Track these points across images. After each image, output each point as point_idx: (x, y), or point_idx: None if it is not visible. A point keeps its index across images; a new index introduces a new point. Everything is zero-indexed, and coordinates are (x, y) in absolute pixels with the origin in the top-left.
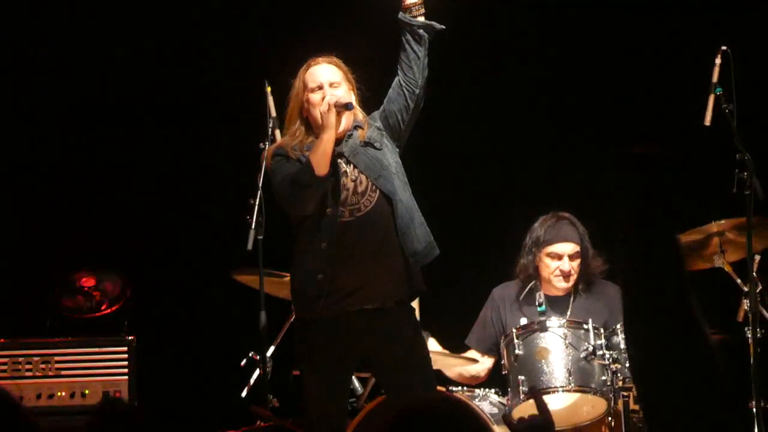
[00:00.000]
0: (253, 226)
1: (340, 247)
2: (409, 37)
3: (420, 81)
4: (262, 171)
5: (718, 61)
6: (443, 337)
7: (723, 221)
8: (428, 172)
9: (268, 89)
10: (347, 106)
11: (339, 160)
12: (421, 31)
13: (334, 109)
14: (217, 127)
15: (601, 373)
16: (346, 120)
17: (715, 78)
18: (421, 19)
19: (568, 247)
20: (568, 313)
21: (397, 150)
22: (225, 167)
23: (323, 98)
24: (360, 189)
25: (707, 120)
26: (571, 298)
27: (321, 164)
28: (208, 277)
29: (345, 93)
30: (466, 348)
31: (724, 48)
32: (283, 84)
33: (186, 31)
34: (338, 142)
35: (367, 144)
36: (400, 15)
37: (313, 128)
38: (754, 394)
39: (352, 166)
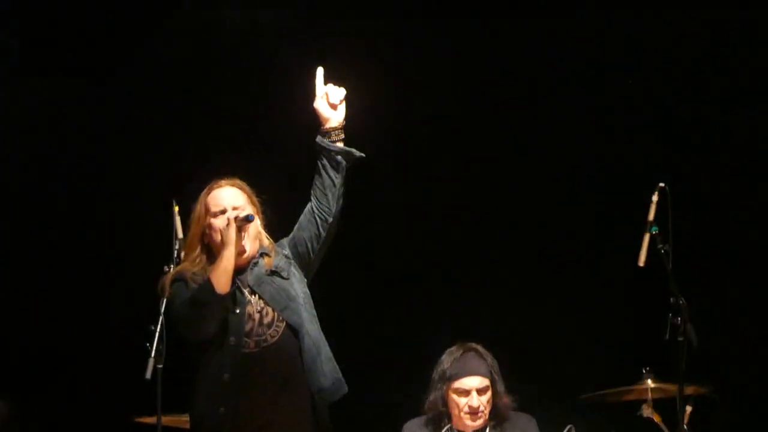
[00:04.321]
0: (152, 354)
1: (244, 379)
2: (325, 162)
3: (334, 209)
4: (164, 296)
5: (655, 198)
6: None
7: (653, 385)
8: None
9: (176, 209)
10: (247, 218)
11: (244, 290)
12: (339, 157)
13: (234, 224)
14: (120, 249)
15: None
16: (251, 246)
17: (651, 216)
18: (340, 144)
19: (475, 381)
20: None
21: (305, 280)
22: (128, 290)
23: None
24: (266, 320)
25: (642, 260)
26: None
27: (221, 282)
28: (103, 406)
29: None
30: None
31: (661, 185)
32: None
33: (89, 148)
34: (243, 270)
35: (274, 273)
36: (318, 139)
37: (215, 255)
38: None
39: (257, 296)
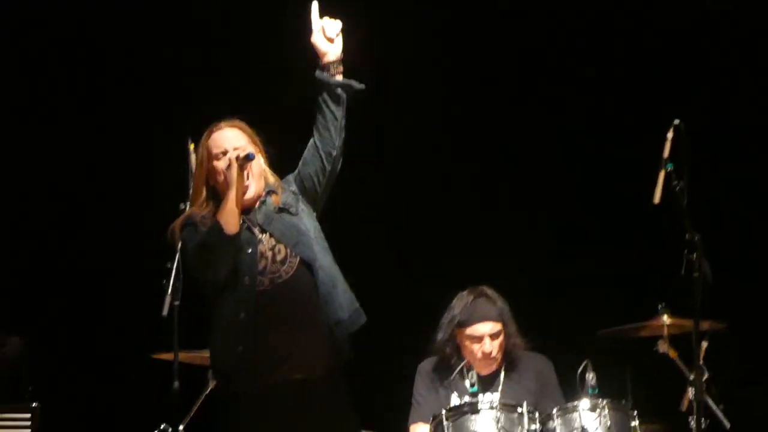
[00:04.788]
0: (169, 291)
1: (262, 317)
2: (326, 96)
3: (337, 142)
4: (177, 242)
5: (669, 135)
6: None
7: (669, 321)
8: (353, 239)
9: (191, 147)
10: (248, 157)
11: (254, 229)
12: (338, 90)
13: (235, 164)
14: (136, 188)
15: None
16: (256, 184)
17: (666, 153)
18: (339, 77)
19: (487, 327)
20: (498, 397)
21: (315, 214)
22: (144, 229)
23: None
24: (279, 257)
25: (657, 198)
26: (500, 378)
27: (229, 222)
28: (121, 343)
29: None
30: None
31: (676, 122)
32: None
33: (101, 89)
34: (251, 209)
35: (282, 210)
36: (317, 73)
37: (221, 198)
38: None
39: (267, 234)
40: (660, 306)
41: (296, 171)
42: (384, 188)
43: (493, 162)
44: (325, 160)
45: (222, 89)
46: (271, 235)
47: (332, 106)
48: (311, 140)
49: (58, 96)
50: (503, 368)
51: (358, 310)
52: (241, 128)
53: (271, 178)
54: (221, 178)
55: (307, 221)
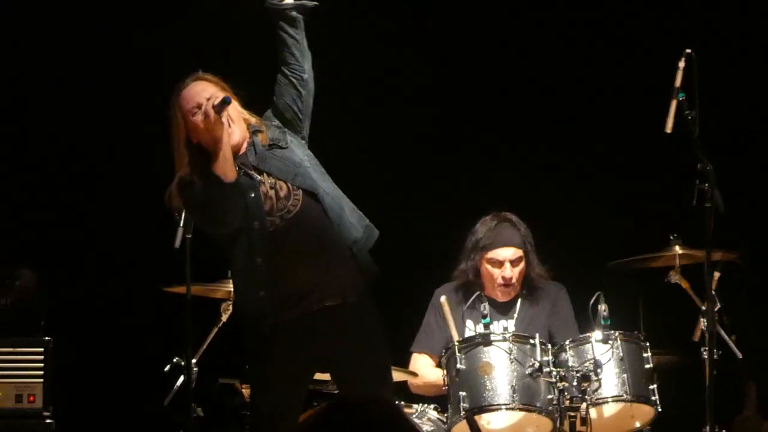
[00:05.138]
0: (181, 224)
1: (279, 256)
2: (282, 24)
3: (305, 65)
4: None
5: (681, 64)
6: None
7: (681, 251)
8: (367, 169)
9: None
10: (224, 101)
11: (250, 172)
12: (293, 13)
13: (212, 113)
14: (149, 128)
15: (547, 391)
16: (239, 127)
17: (678, 83)
18: (290, 0)
19: (509, 252)
20: (513, 324)
21: (303, 142)
22: (155, 167)
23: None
24: (282, 194)
25: (669, 127)
26: (517, 306)
27: (227, 171)
28: (133, 277)
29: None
30: (409, 356)
31: (688, 51)
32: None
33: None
34: (240, 153)
35: (272, 146)
36: (267, 2)
37: (209, 153)
38: (708, 420)
39: (264, 174)
40: (672, 236)
41: (271, 107)
42: (393, 122)
43: (500, 93)
44: (298, 86)
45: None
46: (268, 174)
47: (291, 31)
48: (278, 75)
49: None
50: (521, 296)
51: (369, 226)
52: (206, 79)
53: (252, 119)
54: (203, 131)
55: (299, 151)
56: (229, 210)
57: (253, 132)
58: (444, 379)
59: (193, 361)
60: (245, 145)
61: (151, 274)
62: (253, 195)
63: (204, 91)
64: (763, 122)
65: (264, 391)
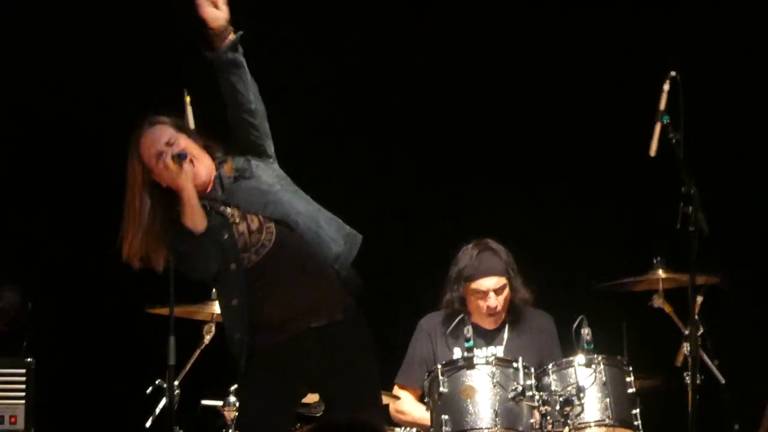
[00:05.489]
0: None
1: (261, 288)
2: (225, 70)
3: (250, 96)
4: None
5: (666, 87)
6: None
7: (664, 275)
8: (354, 195)
9: (188, 99)
10: (180, 156)
11: (219, 209)
12: (229, 55)
13: (173, 166)
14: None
15: (529, 415)
16: (204, 166)
17: (662, 106)
18: (231, 38)
19: (491, 282)
20: (502, 351)
21: (271, 161)
22: None
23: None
24: (254, 226)
25: (653, 150)
26: (504, 333)
27: (196, 221)
28: (115, 297)
29: (185, 144)
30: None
31: (673, 74)
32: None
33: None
34: (209, 190)
35: (238, 178)
36: (206, 54)
37: (172, 192)
38: None
39: (232, 207)
40: (655, 260)
41: (230, 139)
42: (383, 142)
43: (484, 115)
44: (249, 117)
45: None
46: (237, 207)
47: (235, 73)
48: (227, 111)
49: None
50: (508, 322)
51: (350, 234)
52: (161, 122)
53: (216, 148)
54: (169, 179)
55: (267, 176)
56: (205, 259)
57: (219, 164)
58: (427, 402)
59: (176, 383)
60: (212, 180)
61: (134, 295)
62: (226, 236)
63: (162, 137)
64: (747, 144)
65: (252, 412)
